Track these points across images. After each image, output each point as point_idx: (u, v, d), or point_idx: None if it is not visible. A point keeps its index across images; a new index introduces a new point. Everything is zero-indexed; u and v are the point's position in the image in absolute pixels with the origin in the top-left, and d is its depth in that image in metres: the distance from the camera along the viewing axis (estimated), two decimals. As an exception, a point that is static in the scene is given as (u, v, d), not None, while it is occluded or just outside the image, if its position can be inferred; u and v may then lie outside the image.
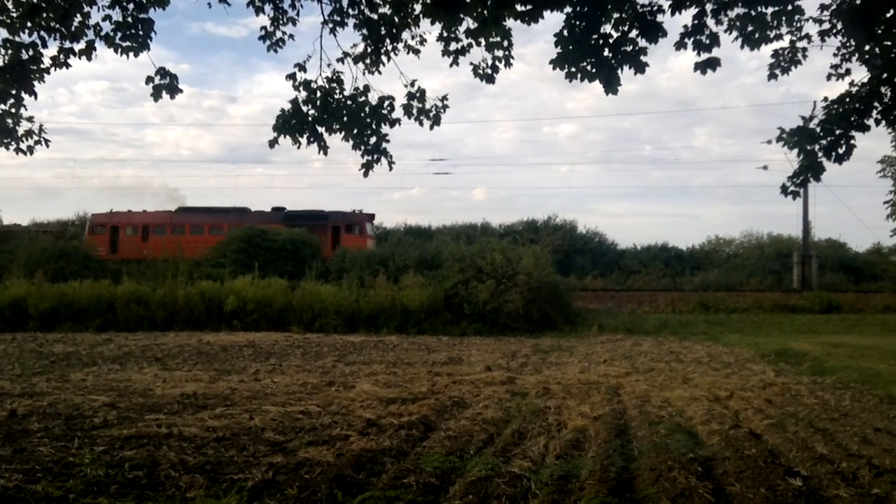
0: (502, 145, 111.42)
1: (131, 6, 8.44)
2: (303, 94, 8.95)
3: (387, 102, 9.03)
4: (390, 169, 9.26)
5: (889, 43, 6.92)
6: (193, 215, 43.03)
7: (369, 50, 9.11)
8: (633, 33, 7.18)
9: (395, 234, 36.98)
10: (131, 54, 8.43)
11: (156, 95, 8.60)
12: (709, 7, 7.29)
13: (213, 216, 42.60)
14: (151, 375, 14.75)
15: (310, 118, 8.86)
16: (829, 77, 8.33)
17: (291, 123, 8.80)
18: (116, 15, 8.47)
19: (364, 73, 9.19)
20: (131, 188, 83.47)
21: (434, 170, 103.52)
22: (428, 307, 27.46)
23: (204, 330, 26.75)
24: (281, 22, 9.45)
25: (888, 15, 6.64)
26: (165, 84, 8.67)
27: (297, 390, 12.99)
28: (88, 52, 8.55)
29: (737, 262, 51.03)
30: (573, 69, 7.30)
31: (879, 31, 6.86)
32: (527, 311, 27.45)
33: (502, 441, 9.05)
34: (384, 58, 9.18)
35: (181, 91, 8.74)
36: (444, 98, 9.35)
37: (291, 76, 8.95)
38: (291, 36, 9.57)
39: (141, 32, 8.46)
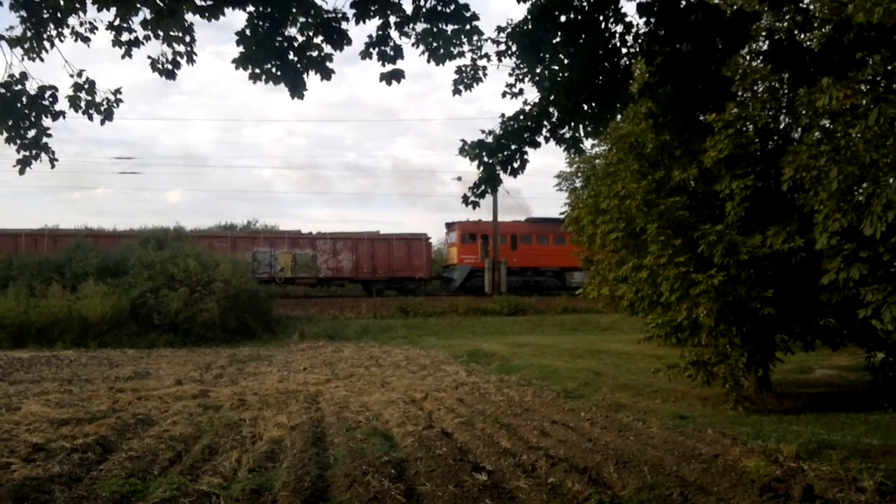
0: (200, 146, 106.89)
1: None
2: None
3: (48, 93, 8.07)
4: (52, 166, 8.37)
5: (556, 67, 7.46)
6: (551, 226, 40.17)
7: (29, 34, 8.03)
8: (319, 39, 7.07)
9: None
10: None
11: None
12: (392, 19, 7.38)
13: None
14: None
15: (-51, 106, 7.63)
16: (504, 95, 8.78)
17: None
18: None
19: (22, 60, 8.11)
20: None
21: (120, 168, 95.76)
22: (111, 318, 25.35)
23: None
24: None
25: (554, 41, 7.14)
26: None
27: (-55, 417, 11.21)
28: None
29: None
30: (257, 70, 7.02)
31: (547, 56, 7.37)
32: (223, 320, 26.47)
33: (191, 458, 8.57)
34: (47, 44, 8.15)
35: None
36: (117, 91, 8.55)
37: (-76, 58, 7.60)
38: (-67, 12, 8.13)
39: None
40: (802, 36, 11.01)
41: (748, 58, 12.88)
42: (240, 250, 36.62)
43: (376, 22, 7.31)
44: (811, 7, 11.04)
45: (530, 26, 7.22)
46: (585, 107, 7.24)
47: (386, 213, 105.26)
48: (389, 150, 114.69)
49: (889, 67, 9.69)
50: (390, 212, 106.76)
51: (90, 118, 8.49)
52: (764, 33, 11.42)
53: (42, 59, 8.26)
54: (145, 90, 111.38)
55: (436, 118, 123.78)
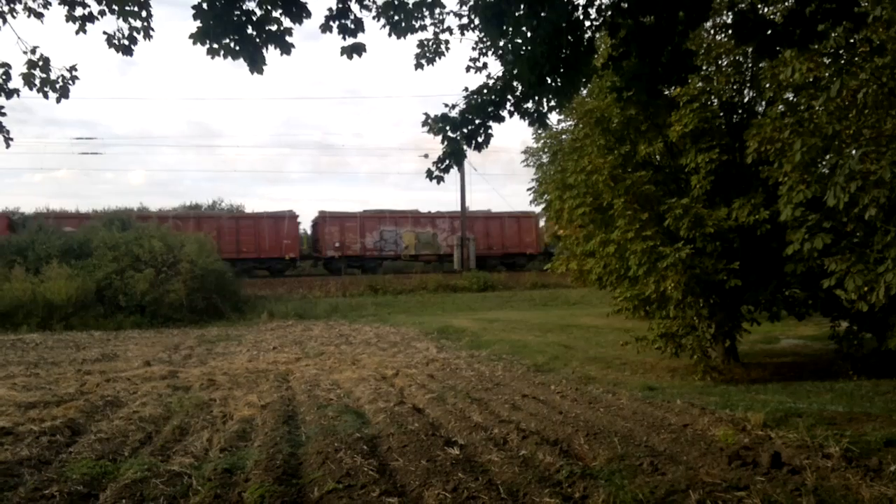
0: (163, 125, 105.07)
1: None
2: None
3: (1, 70, 7.89)
4: (7, 145, 8.26)
5: (519, 40, 7.39)
6: None
7: (-21, 11, 7.82)
8: (278, 12, 6.90)
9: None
10: None
11: None
12: None
13: None
14: None
15: None
16: (468, 69, 8.70)
17: None
18: None
19: (-26, 37, 7.91)
20: None
21: (81, 149, 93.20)
22: (77, 300, 24.95)
23: None
24: None
25: (518, 14, 7.07)
26: None
27: None
28: None
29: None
30: (215, 45, 6.82)
31: (510, 29, 7.30)
32: (191, 301, 26.23)
33: (162, 439, 8.51)
34: (-1, 20, 7.94)
35: None
36: (73, 68, 8.33)
37: None
38: None
39: None
40: (766, 9, 11.11)
41: (712, 31, 12.94)
42: (368, 230, 38.61)
43: None
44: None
45: (492, -1, 7.14)
46: (549, 80, 7.17)
47: (351, 189, 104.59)
48: (356, 127, 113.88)
49: (850, 40, 9.79)
50: (357, 188, 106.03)
51: (45, 96, 8.28)
52: (728, 6, 11.44)
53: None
54: (106, 68, 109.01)
55: (402, 95, 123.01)
